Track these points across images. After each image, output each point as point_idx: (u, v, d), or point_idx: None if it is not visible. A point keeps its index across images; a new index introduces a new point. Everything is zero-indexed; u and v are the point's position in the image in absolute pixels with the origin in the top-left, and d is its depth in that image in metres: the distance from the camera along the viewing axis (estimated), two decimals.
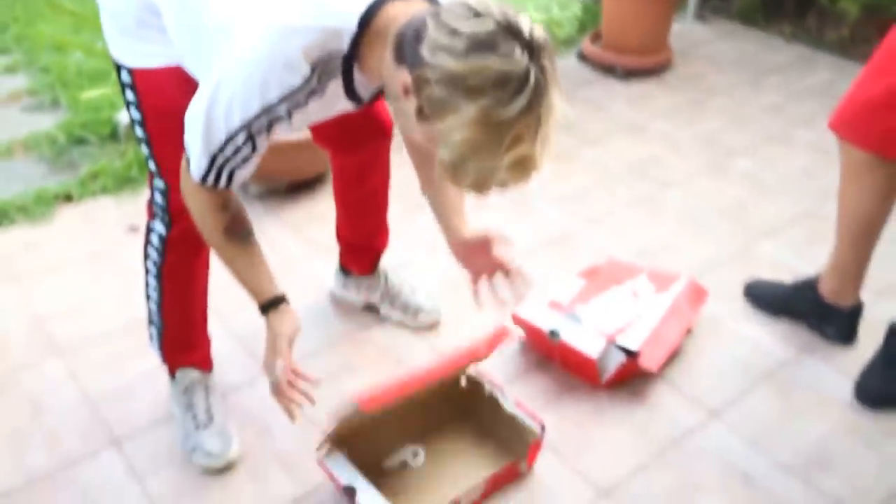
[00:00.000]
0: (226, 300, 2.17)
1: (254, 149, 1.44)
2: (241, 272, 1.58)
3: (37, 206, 2.70)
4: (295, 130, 1.50)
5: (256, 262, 1.58)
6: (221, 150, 1.43)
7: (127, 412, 2.03)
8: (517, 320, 2.18)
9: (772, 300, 2.33)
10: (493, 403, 1.91)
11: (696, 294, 2.28)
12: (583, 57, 3.77)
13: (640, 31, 3.62)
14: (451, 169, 1.24)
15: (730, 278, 2.50)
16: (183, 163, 1.51)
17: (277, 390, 1.58)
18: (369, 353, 2.21)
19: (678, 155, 3.15)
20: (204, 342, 2.01)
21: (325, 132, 1.99)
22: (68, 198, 2.77)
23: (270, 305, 1.59)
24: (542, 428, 1.85)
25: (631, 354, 2.06)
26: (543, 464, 1.90)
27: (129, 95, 1.66)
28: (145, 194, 1.81)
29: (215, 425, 1.94)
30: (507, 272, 1.77)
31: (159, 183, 1.72)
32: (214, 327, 2.12)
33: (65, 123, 3.11)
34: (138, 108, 1.66)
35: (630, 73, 3.66)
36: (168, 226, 1.76)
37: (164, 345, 1.95)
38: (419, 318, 2.30)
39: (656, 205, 2.85)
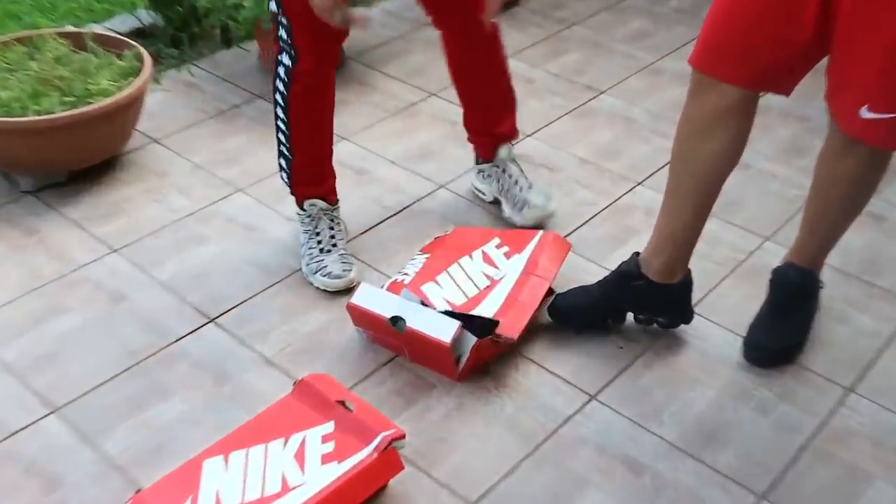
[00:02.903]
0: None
1: None
2: None
3: None
4: None
5: None
6: None
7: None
8: (353, 310, 2.12)
9: (583, 310, 2.17)
10: None
11: (557, 247, 2.28)
12: None
13: None
14: None
15: (601, 234, 2.51)
16: None
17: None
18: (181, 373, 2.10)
19: (536, 98, 3.13)
20: (329, 175, 2.41)
21: (434, 8, 2.39)
22: None
23: None
24: (402, 436, 1.81)
25: (487, 332, 2.03)
26: (404, 477, 1.85)
27: None
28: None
29: (337, 251, 2.34)
30: None
31: (283, 20, 2.13)
32: None
33: None
34: None
35: None
36: (294, 59, 2.16)
37: (294, 176, 2.34)
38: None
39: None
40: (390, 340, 2.12)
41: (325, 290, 2.30)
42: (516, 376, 2.09)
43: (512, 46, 3.41)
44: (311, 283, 2.32)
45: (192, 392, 2.06)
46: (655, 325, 2.18)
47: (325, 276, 2.30)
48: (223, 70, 3.26)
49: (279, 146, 2.32)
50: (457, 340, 2.01)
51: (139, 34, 3.24)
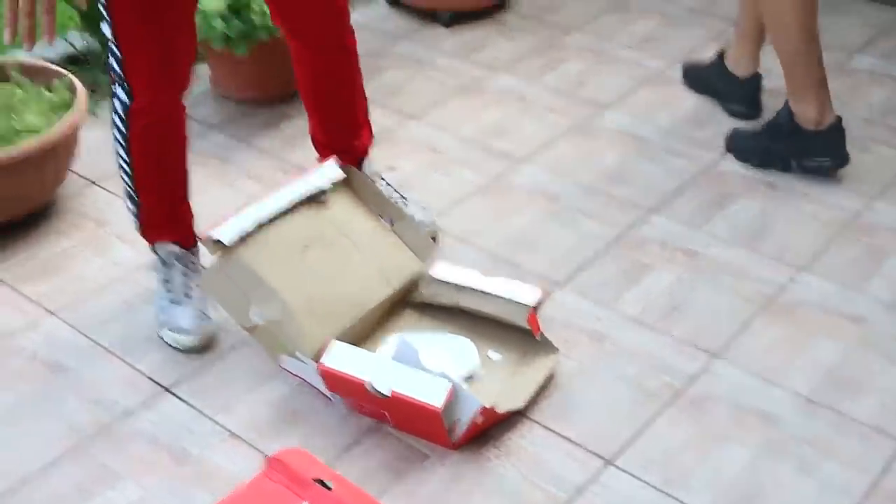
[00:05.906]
0: None
1: None
2: None
3: None
4: None
5: None
6: None
7: None
8: (326, 374, 2.11)
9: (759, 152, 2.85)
10: None
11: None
12: (395, 2, 3.74)
13: None
14: None
15: (610, 272, 2.53)
16: None
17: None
18: None
19: (530, 116, 3.16)
20: (184, 218, 2.43)
21: (282, 12, 2.36)
22: None
23: None
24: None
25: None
26: None
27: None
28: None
29: (191, 302, 2.34)
30: None
31: (115, 49, 2.12)
32: None
33: None
34: (108, 10, 2.08)
35: (458, 17, 3.66)
36: (129, 95, 2.17)
37: (142, 221, 2.37)
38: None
39: (508, 189, 2.85)
40: (371, 407, 2.12)
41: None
42: (520, 441, 2.09)
43: (500, 58, 3.46)
44: (163, 340, 2.34)
45: (147, 474, 2.05)
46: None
47: (173, 330, 2.32)
48: None
49: (124, 186, 2.33)
50: (450, 405, 2.02)
51: (71, 61, 3.27)
